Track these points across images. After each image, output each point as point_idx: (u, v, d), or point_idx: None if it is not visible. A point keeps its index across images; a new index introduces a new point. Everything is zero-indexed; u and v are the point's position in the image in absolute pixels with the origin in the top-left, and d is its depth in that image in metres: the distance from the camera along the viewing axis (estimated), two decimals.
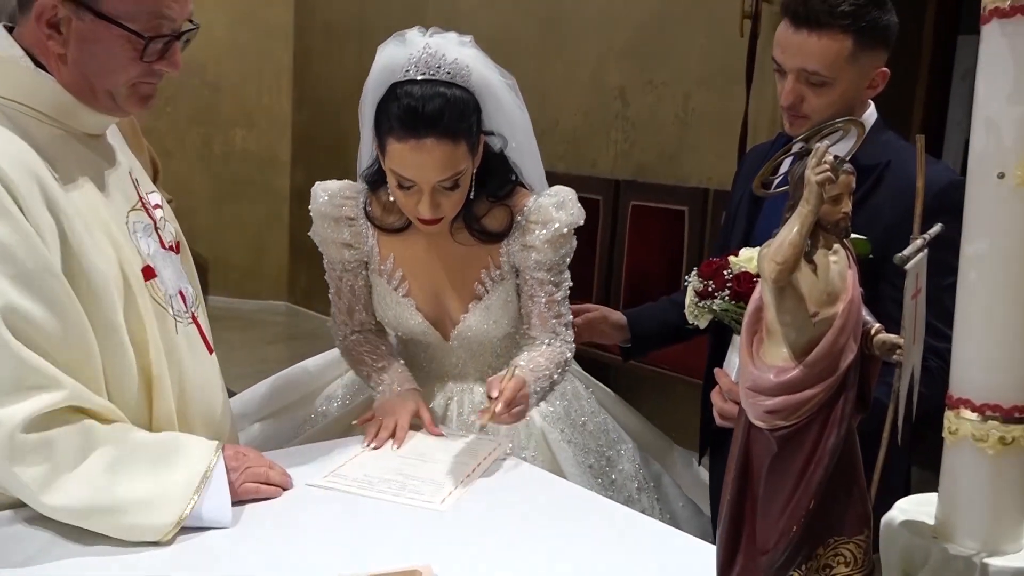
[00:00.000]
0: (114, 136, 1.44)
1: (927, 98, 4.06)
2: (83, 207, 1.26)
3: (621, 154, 4.43)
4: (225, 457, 1.32)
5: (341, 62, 5.76)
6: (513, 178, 1.75)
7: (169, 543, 1.21)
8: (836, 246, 0.91)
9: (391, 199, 1.69)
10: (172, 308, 1.39)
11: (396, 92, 1.59)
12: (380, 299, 1.79)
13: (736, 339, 1.59)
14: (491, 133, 1.70)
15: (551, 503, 1.41)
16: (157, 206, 1.46)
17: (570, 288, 1.80)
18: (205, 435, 1.36)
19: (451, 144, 1.57)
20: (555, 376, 1.72)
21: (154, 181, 2.40)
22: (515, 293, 1.77)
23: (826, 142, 0.87)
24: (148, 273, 1.35)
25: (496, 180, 1.71)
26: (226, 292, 6.00)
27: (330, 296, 1.81)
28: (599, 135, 4.49)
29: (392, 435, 1.60)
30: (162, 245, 1.42)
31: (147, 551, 1.19)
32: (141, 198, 1.42)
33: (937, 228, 0.93)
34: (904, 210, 1.46)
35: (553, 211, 1.70)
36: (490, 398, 1.51)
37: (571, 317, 1.81)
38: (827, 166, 0.84)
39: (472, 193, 1.68)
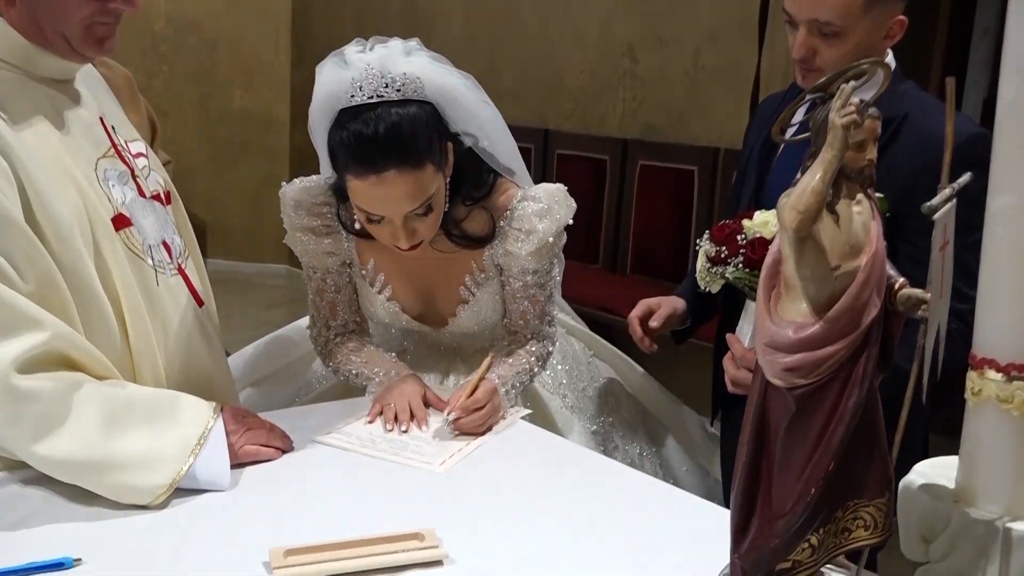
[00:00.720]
0: (91, 85, 1.40)
1: (945, 58, 4.00)
2: (39, 150, 1.22)
3: (629, 112, 4.37)
4: (224, 418, 1.30)
5: (341, 18, 5.68)
6: (490, 176, 1.64)
7: (163, 506, 1.20)
8: (859, 196, 0.87)
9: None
10: (152, 259, 1.36)
11: (343, 121, 1.46)
12: (364, 299, 1.73)
13: (750, 306, 1.55)
14: (457, 136, 1.57)
15: (557, 465, 1.40)
16: (140, 155, 1.42)
17: (558, 282, 1.73)
18: (198, 393, 1.33)
19: (415, 171, 1.45)
20: (535, 369, 1.67)
21: (151, 143, 2.38)
22: (502, 287, 1.69)
23: (852, 83, 0.83)
24: (121, 222, 1.32)
25: (471, 182, 1.61)
26: (225, 255, 5.97)
27: (310, 299, 1.71)
28: (606, 93, 4.42)
29: (410, 416, 1.51)
30: (141, 194, 1.38)
31: (140, 514, 1.18)
32: (115, 145, 1.38)
33: (966, 177, 0.90)
34: (923, 164, 1.44)
35: (536, 221, 1.59)
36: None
37: (556, 313, 1.73)
38: (853, 108, 0.81)
39: (448, 200, 1.57)
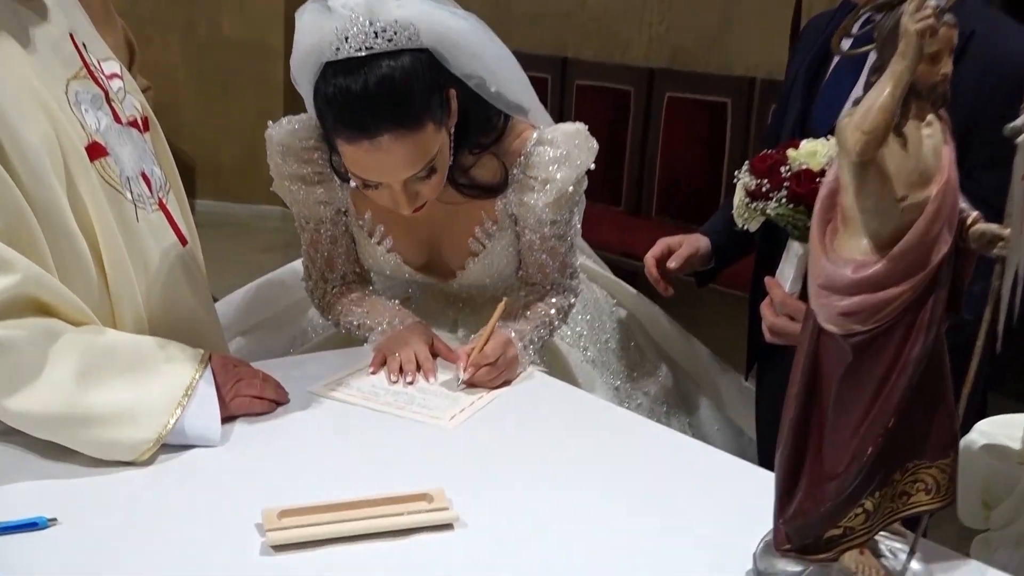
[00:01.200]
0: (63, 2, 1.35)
1: None
2: (3, 71, 1.17)
3: (656, 38, 4.27)
4: (213, 368, 1.27)
5: None
6: (500, 120, 1.55)
7: (148, 463, 1.18)
8: (930, 117, 0.83)
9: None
10: (130, 192, 1.32)
11: (329, 77, 1.38)
12: (363, 250, 1.67)
13: (792, 246, 1.50)
14: (460, 80, 1.48)
15: (577, 421, 1.37)
16: (115, 75, 1.38)
17: (578, 231, 1.67)
18: (183, 340, 1.31)
19: (413, 134, 1.38)
20: (556, 324, 1.61)
21: (129, 68, 2.28)
22: (516, 238, 1.63)
23: None
24: (96, 151, 1.27)
25: (478, 128, 1.53)
26: (215, 196, 5.94)
27: (304, 250, 1.66)
28: (631, 16, 4.32)
29: (417, 366, 1.47)
30: (117, 120, 1.34)
31: (123, 471, 1.16)
32: (87, 64, 1.33)
33: None
34: (991, 87, 1.39)
35: (554, 169, 1.52)
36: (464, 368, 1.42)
37: (577, 263, 1.68)
38: (929, 12, 0.75)
39: (453, 151, 1.50)
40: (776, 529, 0.90)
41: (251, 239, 5.53)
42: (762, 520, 0.92)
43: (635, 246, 3.57)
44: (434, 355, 1.53)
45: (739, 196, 1.52)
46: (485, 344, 1.46)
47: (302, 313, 1.83)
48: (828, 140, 1.44)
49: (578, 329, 1.75)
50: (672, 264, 1.76)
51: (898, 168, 0.80)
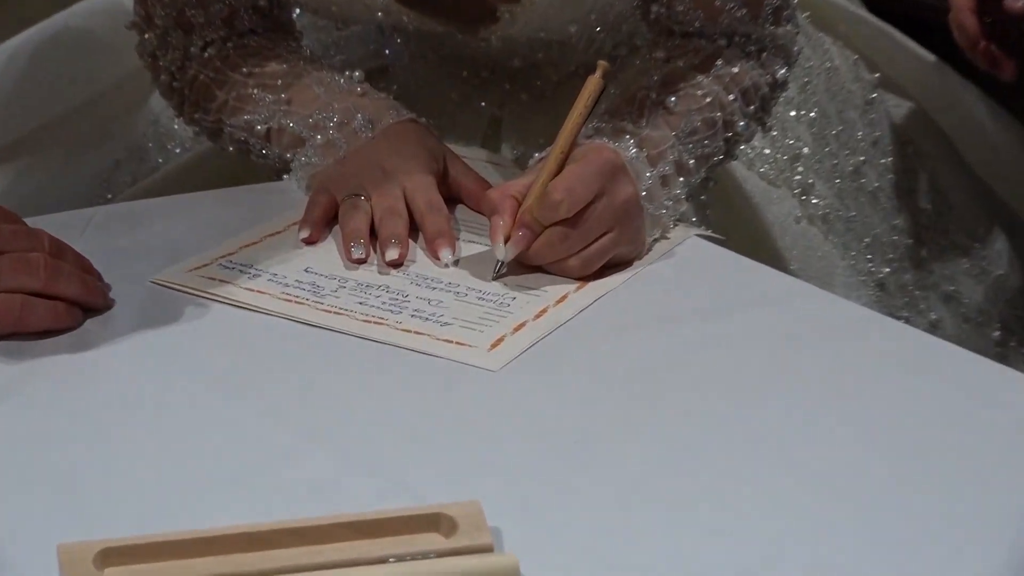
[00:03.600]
0: None
1: None
2: None
3: None
4: None
5: None
6: None
7: None
8: None
9: None
10: None
11: None
12: None
13: None
14: None
15: (789, 358, 0.84)
16: None
17: None
18: None
19: None
20: (739, 124, 1.00)
21: None
22: None
23: None
24: None
25: None
26: None
27: None
28: None
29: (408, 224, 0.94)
30: None
31: None
32: None
33: None
34: None
35: None
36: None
37: None
38: None
39: None
40: None
41: None
42: None
43: None
44: (449, 196, 0.96)
45: None
46: (556, 171, 0.88)
47: (134, 107, 1.26)
48: None
49: (792, 144, 1.17)
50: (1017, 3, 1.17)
51: None
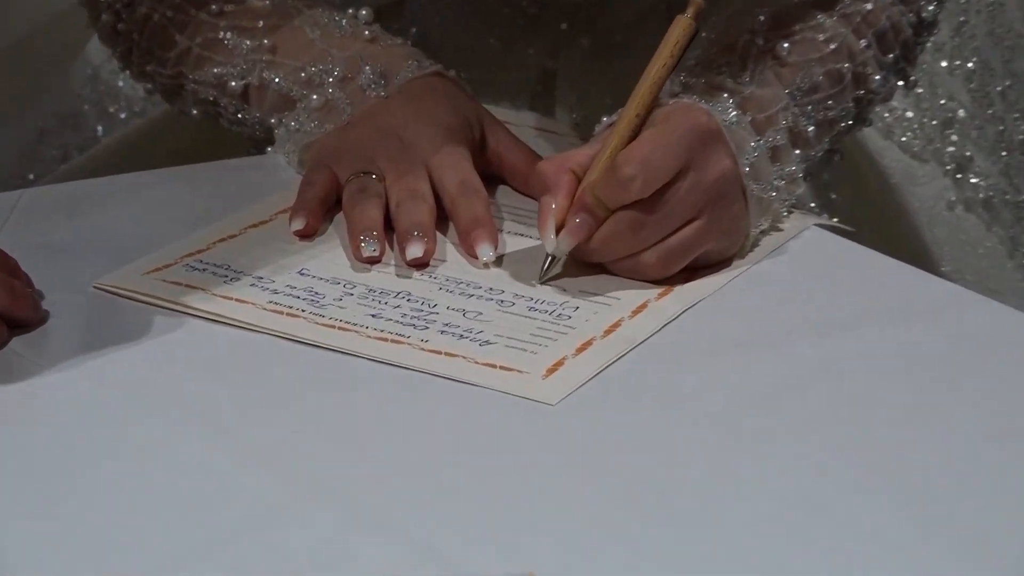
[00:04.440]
0: None
1: None
2: None
3: None
4: None
5: None
6: None
7: None
8: None
9: None
10: None
11: None
12: None
13: None
14: None
15: (944, 372, 0.78)
16: None
17: None
18: None
19: None
20: (873, 79, 0.92)
21: None
22: None
23: None
24: None
25: None
26: None
27: None
28: None
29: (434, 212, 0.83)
30: None
31: None
32: None
33: None
34: None
35: None
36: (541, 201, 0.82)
37: None
38: None
39: None
40: None
41: None
42: None
43: None
44: (488, 174, 0.87)
45: None
46: (629, 139, 0.77)
47: (66, 57, 1.21)
48: None
49: (944, 105, 1.07)
50: None
51: None
